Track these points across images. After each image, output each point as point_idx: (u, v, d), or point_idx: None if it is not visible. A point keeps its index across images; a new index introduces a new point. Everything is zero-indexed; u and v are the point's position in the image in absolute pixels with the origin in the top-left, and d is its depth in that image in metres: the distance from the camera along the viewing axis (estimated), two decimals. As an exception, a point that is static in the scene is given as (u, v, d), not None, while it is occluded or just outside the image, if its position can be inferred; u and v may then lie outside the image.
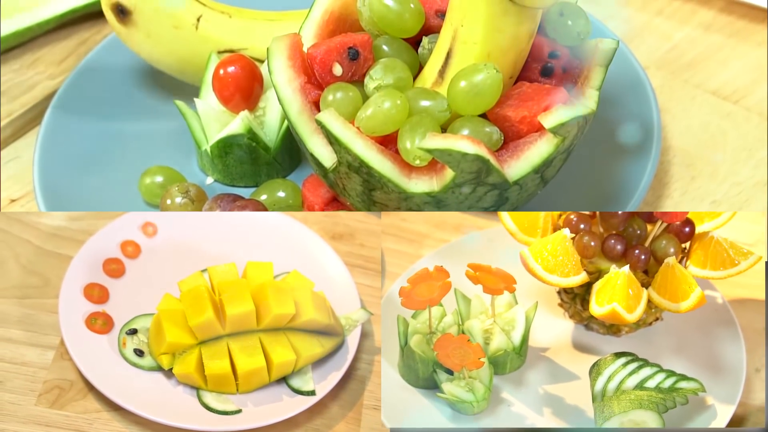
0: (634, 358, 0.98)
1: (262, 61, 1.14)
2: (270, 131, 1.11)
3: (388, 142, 0.96)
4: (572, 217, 1.00)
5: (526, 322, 1.02)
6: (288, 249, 1.12)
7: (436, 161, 0.95)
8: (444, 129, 0.96)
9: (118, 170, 1.12)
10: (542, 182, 0.99)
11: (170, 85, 1.20)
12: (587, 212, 1.01)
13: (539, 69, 1.00)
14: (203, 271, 1.08)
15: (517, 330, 1.01)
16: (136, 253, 1.10)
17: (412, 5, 1.00)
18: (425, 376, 1.00)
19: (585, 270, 0.99)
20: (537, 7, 0.95)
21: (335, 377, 1.02)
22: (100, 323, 1.03)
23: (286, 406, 0.99)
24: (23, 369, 1.00)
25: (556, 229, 1.02)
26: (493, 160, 0.93)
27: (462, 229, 1.15)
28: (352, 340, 1.04)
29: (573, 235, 1.00)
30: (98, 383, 0.97)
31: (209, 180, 1.14)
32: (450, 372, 0.99)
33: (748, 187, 1.12)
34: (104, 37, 1.29)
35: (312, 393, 1.00)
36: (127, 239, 1.10)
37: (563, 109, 0.95)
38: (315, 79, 0.99)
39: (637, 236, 1.00)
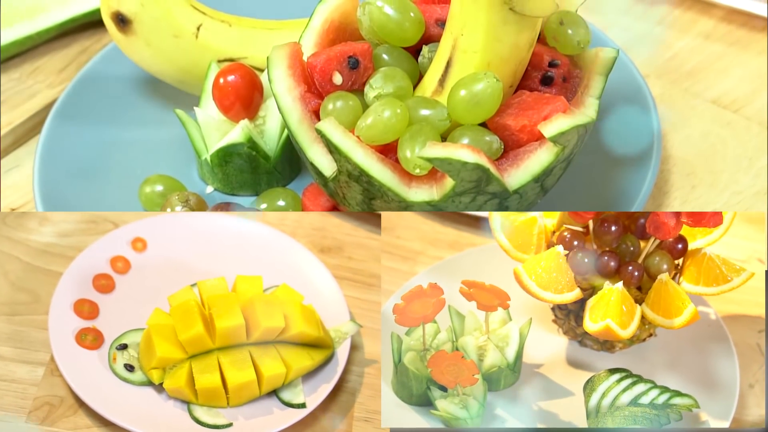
0: (628, 374, 0.98)
1: (262, 70, 1.14)
2: (270, 140, 1.11)
3: (388, 151, 0.96)
4: (566, 234, 1.00)
5: (520, 338, 1.01)
6: (277, 263, 1.12)
7: (436, 170, 0.95)
8: (444, 138, 0.96)
9: (118, 179, 1.12)
10: (542, 191, 0.98)
11: (170, 94, 1.20)
12: (581, 229, 1.00)
13: (539, 78, 1.00)
14: (193, 285, 1.08)
15: (511, 346, 1.01)
16: (126, 268, 1.10)
17: (412, 14, 1.00)
18: (419, 393, 1.00)
19: (579, 286, 0.99)
20: (537, 15, 0.95)
21: (326, 389, 1.01)
22: (90, 339, 1.03)
23: (277, 419, 0.99)
24: (13, 386, 1.00)
25: (549, 245, 1.02)
26: (492, 169, 0.93)
27: (456, 246, 1.14)
28: (342, 353, 1.04)
29: (566, 251, 1.00)
30: (89, 399, 0.97)
31: (209, 189, 1.14)
32: (444, 389, 0.99)
33: (749, 196, 1.11)
34: (104, 46, 1.29)
35: (303, 405, 1.00)
36: (116, 255, 1.10)
37: (563, 118, 0.95)
38: (315, 88, 0.99)
39: (630, 253, 0.99)
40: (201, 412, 0.99)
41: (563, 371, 1.03)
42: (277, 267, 1.12)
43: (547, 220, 1.02)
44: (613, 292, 0.97)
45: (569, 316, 1.03)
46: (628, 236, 0.99)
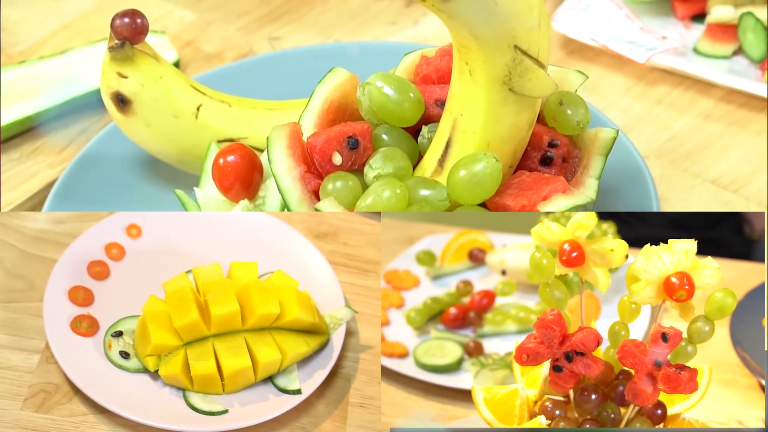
0: None
1: (261, 150, 1.15)
2: (269, 220, 1.11)
3: (387, 231, 0.96)
4: (547, 403, 0.99)
5: None
6: (272, 249, 1.13)
7: (435, 250, 0.94)
8: (443, 218, 0.96)
9: (117, 259, 1.12)
10: (542, 271, 0.98)
11: (170, 174, 1.20)
12: (561, 398, 1.00)
13: (539, 158, 1.00)
14: (188, 272, 1.08)
15: None
16: (121, 255, 1.10)
17: (411, 94, 1.00)
18: None
19: None
20: (536, 96, 0.95)
21: (321, 375, 1.02)
22: (85, 326, 1.03)
23: (273, 405, 0.99)
24: (8, 373, 1.00)
25: (531, 416, 1.01)
26: (492, 250, 0.92)
27: (440, 419, 1.10)
28: (337, 338, 1.05)
29: (549, 421, 0.99)
30: (84, 386, 0.97)
31: (208, 269, 1.13)
32: None
33: (750, 276, 1.11)
34: (104, 126, 1.29)
35: (298, 392, 1.00)
36: (111, 241, 1.10)
37: (562, 199, 0.95)
38: (315, 168, 0.99)
39: (611, 420, 0.98)
40: (197, 399, 0.99)
41: None
42: (272, 253, 1.12)
43: (529, 390, 1.02)
44: None
45: (554, 485, 1.01)
46: (608, 404, 0.98)
